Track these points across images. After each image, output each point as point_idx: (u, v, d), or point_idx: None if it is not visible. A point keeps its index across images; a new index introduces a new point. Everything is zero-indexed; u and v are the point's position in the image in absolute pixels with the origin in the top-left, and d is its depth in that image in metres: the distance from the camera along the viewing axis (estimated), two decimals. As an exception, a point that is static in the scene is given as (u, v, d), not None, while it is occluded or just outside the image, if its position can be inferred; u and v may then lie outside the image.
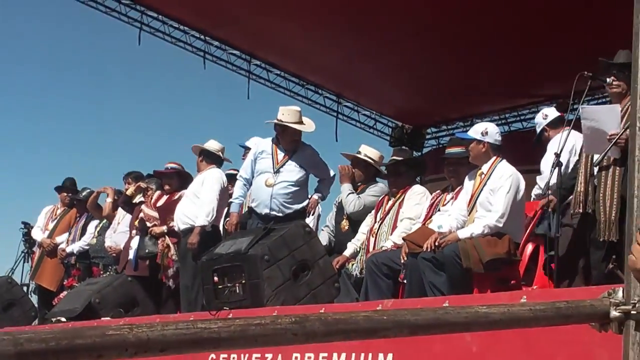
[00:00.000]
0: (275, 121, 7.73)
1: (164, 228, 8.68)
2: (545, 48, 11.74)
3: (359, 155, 7.77)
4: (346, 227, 7.62)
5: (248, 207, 7.88)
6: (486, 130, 6.37)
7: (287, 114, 7.76)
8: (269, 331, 1.63)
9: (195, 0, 12.99)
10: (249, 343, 1.64)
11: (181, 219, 8.24)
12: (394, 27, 12.12)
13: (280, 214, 7.50)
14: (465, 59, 12.64)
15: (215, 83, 28.74)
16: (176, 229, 8.34)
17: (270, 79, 15.05)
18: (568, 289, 5.49)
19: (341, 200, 7.81)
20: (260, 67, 14.93)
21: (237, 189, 7.87)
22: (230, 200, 7.97)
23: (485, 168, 6.29)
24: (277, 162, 7.68)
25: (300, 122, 7.78)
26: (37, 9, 26.69)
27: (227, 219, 8.08)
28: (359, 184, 7.73)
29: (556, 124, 7.06)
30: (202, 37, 14.39)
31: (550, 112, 7.14)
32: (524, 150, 7.61)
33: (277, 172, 7.64)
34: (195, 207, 8.13)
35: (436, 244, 6.03)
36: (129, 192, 9.34)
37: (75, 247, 10.35)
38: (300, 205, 7.72)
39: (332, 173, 8.05)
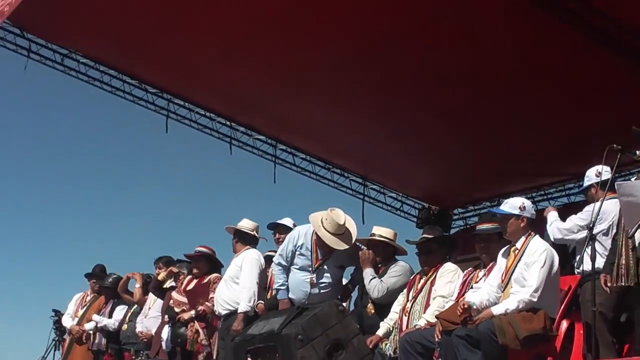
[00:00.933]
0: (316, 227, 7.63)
1: (192, 313, 8.64)
2: (570, 127, 11.79)
3: (373, 237, 7.73)
4: (372, 311, 7.52)
5: (287, 291, 7.78)
6: (524, 205, 6.33)
7: (328, 220, 7.61)
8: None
9: (221, 87, 13.16)
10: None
11: (221, 304, 8.18)
12: (419, 109, 12.25)
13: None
14: (490, 139, 12.71)
15: (241, 168, 28.86)
16: (217, 313, 8.29)
17: (296, 163, 15.18)
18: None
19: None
20: (285, 152, 15.05)
21: (279, 275, 7.72)
22: (276, 287, 7.77)
23: (519, 244, 6.25)
24: (316, 260, 7.63)
25: (338, 234, 7.60)
26: (64, 98, 27.09)
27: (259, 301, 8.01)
28: (379, 265, 7.67)
29: (604, 186, 6.95)
30: (228, 123, 14.57)
31: (604, 171, 6.94)
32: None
33: (316, 271, 7.60)
34: (235, 291, 8.08)
35: (469, 319, 5.96)
36: (160, 277, 9.34)
37: (104, 321, 10.36)
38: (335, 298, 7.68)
39: None
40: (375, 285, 7.38)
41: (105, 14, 11.40)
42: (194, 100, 14.27)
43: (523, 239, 6.27)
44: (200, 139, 14.88)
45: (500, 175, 13.91)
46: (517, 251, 6.24)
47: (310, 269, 7.58)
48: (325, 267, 7.61)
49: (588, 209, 6.80)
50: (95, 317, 10.62)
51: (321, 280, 7.55)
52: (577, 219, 6.93)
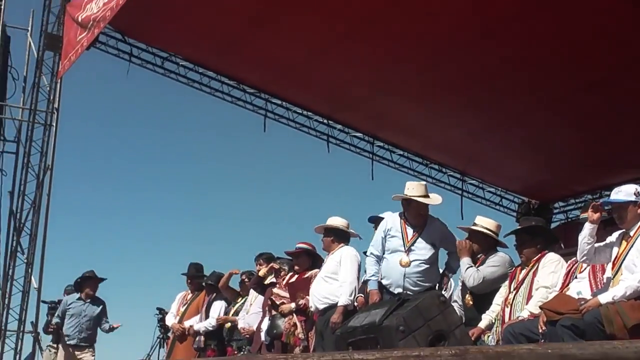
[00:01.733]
0: (402, 196, 7.68)
1: (292, 306, 8.69)
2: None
3: (475, 227, 7.65)
4: (470, 303, 7.43)
5: (377, 282, 7.79)
6: (638, 191, 6.14)
7: (412, 188, 7.69)
8: (429, 361, 1.60)
9: (318, 86, 13.26)
10: (410, 373, 1.61)
11: (319, 299, 8.19)
12: (515, 100, 12.08)
13: (411, 293, 7.41)
14: (591, 130, 12.48)
15: (339, 166, 28.98)
16: (312, 308, 8.33)
17: (393, 160, 15.18)
18: None
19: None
20: (383, 148, 15.04)
21: (370, 266, 7.71)
22: (367, 278, 7.78)
23: (632, 231, 6.07)
24: (408, 240, 7.58)
25: (426, 196, 7.73)
26: (165, 101, 27.68)
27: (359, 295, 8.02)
28: (479, 256, 7.58)
29: None
30: (325, 121, 14.65)
31: None
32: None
33: (409, 250, 7.54)
34: (333, 287, 8.10)
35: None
36: (261, 273, 9.42)
37: (200, 327, 10.50)
38: (432, 284, 7.63)
39: None
40: (471, 274, 7.30)
41: (203, 16, 11.63)
42: (291, 99, 14.40)
43: (637, 226, 6.07)
44: (298, 137, 15.02)
45: (603, 166, 13.62)
46: (629, 238, 6.05)
47: (402, 248, 7.54)
48: (418, 245, 7.57)
49: None
50: (195, 325, 10.74)
51: (415, 259, 7.49)
52: None
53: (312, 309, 8.38)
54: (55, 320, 11.67)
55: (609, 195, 9.57)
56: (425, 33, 10.83)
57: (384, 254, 7.65)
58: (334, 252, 8.40)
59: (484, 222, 7.68)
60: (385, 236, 7.65)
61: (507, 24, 10.30)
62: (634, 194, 6.10)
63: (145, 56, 13.93)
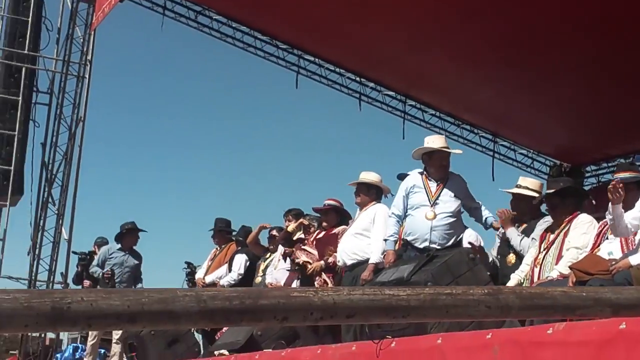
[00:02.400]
0: (424, 148, 7.64)
1: (322, 263, 8.68)
2: None
3: (519, 190, 7.57)
4: (513, 261, 7.37)
5: (403, 239, 7.76)
6: None
7: (432, 140, 7.74)
8: (460, 302, 1.58)
9: (350, 43, 13.16)
10: (439, 314, 1.59)
11: (348, 255, 8.17)
12: (551, 61, 11.93)
13: (439, 247, 7.38)
14: (628, 92, 12.28)
15: (370, 124, 29.00)
16: (340, 263, 8.31)
17: (425, 119, 15.08)
18: None
19: (506, 235, 7.60)
20: (415, 108, 14.96)
21: (390, 227, 7.68)
22: (385, 237, 7.72)
23: (667, 193, 6.00)
24: (432, 194, 7.53)
25: (447, 147, 7.72)
26: (198, 55, 27.75)
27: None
28: (525, 219, 7.51)
29: None
30: (357, 78, 14.57)
31: None
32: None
33: (434, 204, 7.48)
34: (363, 243, 8.10)
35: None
36: (289, 229, 9.40)
37: (224, 282, 10.53)
38: (458, 238, 7.59)
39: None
40: (528, 244, 7.18)
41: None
42: (324, 56, 14.32)
43: (672, 187, 6.01)
44: (329, 95, 14.96)
45: (636, 130, 13.43)
46: (663, 200, 5.99)
47: (427, 203, 7.48)
48: (442, 198, 7.51)
49: None
50: (220, 281, 10.79)
51: (441, 212, 7.44)
52: None
53: (339, 264, 8.36)
54: (95, 269, 11.61)
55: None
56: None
57: (406, 212, 7.61)
58: (367, 209, 8.36)
59: (529, 183, 7.62)
60: (408, 194, 7.61)
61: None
62: None
63: (179, 9, 13.92)
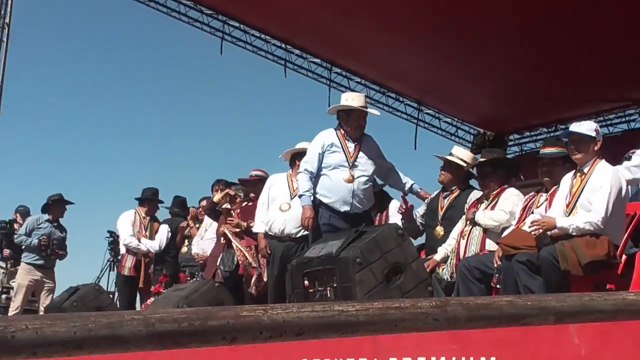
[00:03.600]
0: (342, 106, 7.43)
1: (244, 225, 8.59)
2: (632, 51, 11.46)
3: (451, 158, 7.57)
4: (442, 233, 7.39)
5: (317, 202, 7.37)
6: (597, 128, 6.18)
7: (351, 98, 7.51)
8: (408, 316, 1.54)
9: (276, 9, 13.01)
10: (388, 328, 1.55)
11: (296, 222, 7.90)
12: (477, 32, 11.99)
13: (359, 211, 7.25)
14: (549, 64, 12.45)
15: (296, 91, 28.79)
16: (285, 232, 8.11)
17: (351, 87, 15.03)
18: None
19: (431, 201, 7.61)
20: (340, 75, 14.91)
21: (305, 182, 7.26)
22: (300, 193, 7.34)
23: (586, 168, 6.09)
24: (350, 155, 7.31)
25: (365, 107, 7.53)
26: (120, 19, 27.15)
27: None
28: (452, 188, 7.53)
29: None
30: (283, 45, 14.46)
31: None
32: (611, 155, 7.31)
33: (353, 166, 7.27)
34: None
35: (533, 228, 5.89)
36: (215, 199, 9.27)
37: (145, 246, 10.49)
38: (372, 201, 7.50)
39: None
40: (492, 217, 6.88)
41: None
42: (249, 22, 14.15)
43: (590, 163, 6.10)
44: (255, 61, 14.82)
45: (558, 100, 13.68)
46: (583, 176, 6.07)
47: (346, 164, 7.26)
48: (360, 160, 7.32)
49: None
50: (144, 240, 10.68)
51: (360, 175, 7.26)
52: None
53: (281, 232, 8.07)
54: (22, 238, 11.26)
55: (564, 129, 9.55)
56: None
57: (320, 171, 7.33)
58: None
59: (461, 153, 7.62)
60: (324, 152, 7.31)
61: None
62: (595, 130, 6.13)
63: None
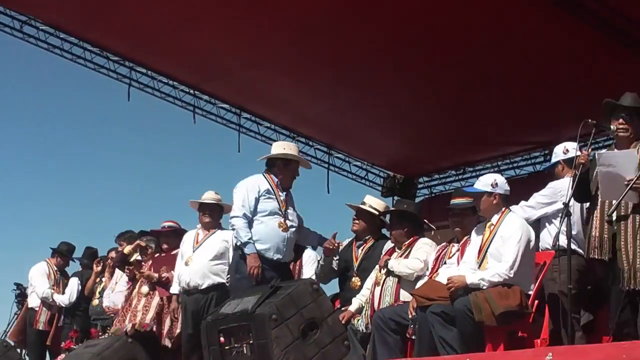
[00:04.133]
0: (289, 154, 7.37)
1: (155, 275, 8.49)
2: (535, 95, 11.78)
3: (363, 207, 7.62)
4: (358, 284, 7.41)
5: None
6: (496, 182, 6.30)
7: (288, 148, 7.51)
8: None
9: (184, 55, 12.95)
10: None
11: (205, 275, 7.95)
12: (383, 77, 12.15)
13: (286, 260, 7.25)
14: (455, 108, 12.69)
15: (205, 137, 28.59)
16: (191, 284, 8.01)
17: (260, 132, 15.04)
18: (596, 345, 5.42)
19: (345, 251, 7.65)
20: (250, 120, 14.91)
21: (244, 229, 7.07)
22: (244, 241, 7.04)
23: (494, 219, 6.21)
24: (282, 203, 7.24)
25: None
26: (24, 66, 26.62)
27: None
28: (366, 237, 7.59)
29: (571, 163, 6.98)
30: (191, 91, 14.39)
31: (571, 149, 6.92)
32: (517, 198, 7.45)
33: (284, 215, 7.23)
34: (219, 267, 7.96)
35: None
36: (126, 251, 9.13)
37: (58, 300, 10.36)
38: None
39: None
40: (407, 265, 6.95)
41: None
42: (156, 68, 14.03)
43: (498, 215, 6.23)
44: (163, 107, 14.68)
45: (466, 143, 13.92)
46: (492, 227, 6.20)
47: (280, 212, 7.20)
48: (289, 210, 7.30)
49: (551, 185, 6.86)
50: (56, 297, 10.56)
51: (290, 224, 7.23)
52: (539, 197, 6.88)
53: (187, 286, 8.03)
54: None
55: (471, 171, 9.68)
56: (296, 6, 10.70)
57: (255, 215, 7.18)
58: (218, 232, 8.21)
59: (373, 202, 7.68)
60: (259, 197, 7.20)
61: (378, 3, 10.29)
62: (491, 184, 6.31)
63: (3, 19, 13.30)
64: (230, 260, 7.71)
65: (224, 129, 14.82)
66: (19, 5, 13.06)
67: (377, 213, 7.60)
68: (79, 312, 10.42)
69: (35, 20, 13.35)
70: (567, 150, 6.93)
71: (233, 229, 7.19)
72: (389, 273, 6.99)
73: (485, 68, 11.35)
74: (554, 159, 7.15)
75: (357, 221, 7.66)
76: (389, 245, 7.39)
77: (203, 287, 7.95)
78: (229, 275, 7.70)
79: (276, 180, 7.32)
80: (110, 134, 29.23)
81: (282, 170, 7.35)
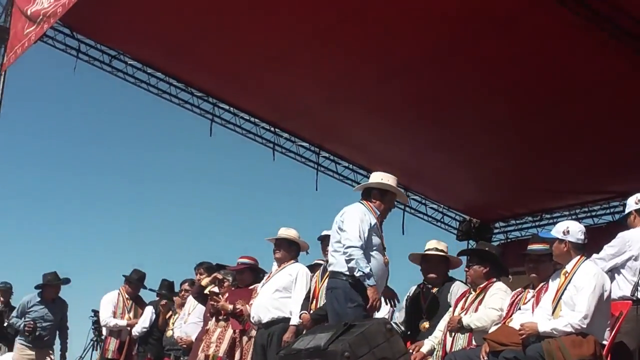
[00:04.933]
0: (394, 188, 7.20)
1: (230, 307, 8.60)
2: (615, 144, 11.67)
3: (432, 252, 7.63)
4: (427, 326, 7.43)
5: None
6: (567, 230, 6.26)
7: (386, 178, 7.21)
8: None
9: (266, 93, 13.21)
10: None
11: (267, 309, 8.04)
12: (463, 121, 12.17)
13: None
14: (534, 154, 12.64)
15: (284, 175, 28.85)
16: (255, 319, 8.17)
17: (338, 171, 15.17)
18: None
19: (409, 299, 7.70)
20: (328, 159, 15.04)
21: (364, 260, 6.72)
22: (367, 272, 6.67)
23: (569, 267, 6.18)
24: (382, 239, 7.03)
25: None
26: (112, 100, 27.28)
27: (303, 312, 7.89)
28: (431, 284, 7.60)
29: None
30: (272, 128, 14.60)
31: None
32: (596, 247, 7.40)
33: (385, 248, 7.04)
34: (284, 301, 8.01)
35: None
36: (203, 283, 9.31)
37: (134, 331, 10.66)
38: None
39: None
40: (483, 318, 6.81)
41: (154, 16, 11.51)
42: (239, 105, 14.31)
43: (573, 262, 6.19)
44: (244, 144, 14.92)
45: (544, 190, 13.82)
46: (567, 274, 6.16)
47: (383, 247, 6.99)
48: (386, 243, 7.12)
49: (620, 235, 6.91)
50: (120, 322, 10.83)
51: (388, 259, 7.09)
52: (609, 248, 6.94)
53: (253, 320, 8.23)
54: (14, 320, 11.34)
55: (549, 218, 9.63)
56: (379, 49, 10.82)
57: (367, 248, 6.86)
58: (287, 266, 8.30)
59: (438, 245, 7.71)
60: (371, 230, 6.91)
61: (460, 46, 10.35)
62: (563, 232, 6.28)
63: (93, 53, 13.70)
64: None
65: (303, 166, 14.99)
66: (110, 40, 13.47)
67: (445, 254, 7.63)
68: (153, 340, 10.58)
69: (124, 55, 13.73)
70: (639, 201, 6.93)
71: (350, 259, 6.74)
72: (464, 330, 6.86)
73: (568, 115, 11.32)
74: (627, 210, 7.16)
75: (432, 275, 7.62)
76: (458, 287, 7.40)
77: (264, 321, 8.05)
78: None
79: (378, 214, 7.07)
80: (191, 170, 29.70)
81: (382, 201, 7.12)
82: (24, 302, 11.45)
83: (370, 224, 6.92)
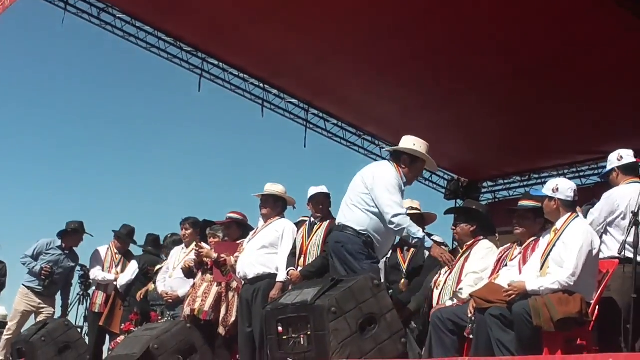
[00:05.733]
0: (418, 152, 6.96)
1: (214, 256, 8.56)
2: (607, 105, 11.65)
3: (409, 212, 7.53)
4: (406, 284, 7.47)
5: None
6: (557, 187, 6.24)
7: (419, 144, 7.03)
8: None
9: (256, 49, 13.10)
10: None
11: (253, 264, 8.01)
12: (452, 81, 12.14)
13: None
14: (524, 114, 12.61)
15: (272, 131, 28.80)
16: (240, 274, 8.14)
17: (327, 129, 15.12)
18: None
19: (389, 260, 7.73)
20: (317, 117, 14.98)
21: (414, 225, 6.64)
22: (421, 235, 6.59)
23: (559, 224, 6.16)
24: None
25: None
26: (99, 52, 27.10)
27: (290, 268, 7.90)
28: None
29: (627, 170, 6.90)
30: (261, 85, 14.51)
31: (625, 155, 6.90)
32: (582, 205, 7.38)
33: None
34: (270, 257, 7.98)
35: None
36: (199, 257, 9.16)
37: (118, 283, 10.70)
38: None
39: None
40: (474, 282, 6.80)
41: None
42: (228, 60, 14.20)
43: (563, 219, 6.17)
44: (232, 100, 14.84)
45: (533, 150, 13.83)
46: (557, 231, 6.15)
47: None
48: None
49: (606, 194, 6.87)
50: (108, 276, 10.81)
51: None
52: (597, 211, 6.88)
53: (239, 275, 8.21)
54: (28, 260, 10.88)
55: (537, 178, 9.60)
56: (370, 6, 10.75)
57: None
58: (273, 222, 8.25)
59: (412, 204, 7.79)
60: (402, 193, 6.72)
61: (452, 5, 10.32)
62: (552, 189, 6.25)
63: (81, 5, 13.56)
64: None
65: (291, 123, 14.95)
66: (99, -7, 13.34)
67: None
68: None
69: (112, 8, 13.59)
70: (622, 157, 6.94)
71: (400, 228, 6.56)
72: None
73: (556, 76, 11.30)
74: (608, 166, 7.11)
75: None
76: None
77: (250, 277, 8.04)
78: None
79: (404, 180, 6.83)
80: (179, 125, 29.63)
81: (409, 167, 6.91)
82: (42, 243, 11.05)
83: (401, 187, 6.72)
